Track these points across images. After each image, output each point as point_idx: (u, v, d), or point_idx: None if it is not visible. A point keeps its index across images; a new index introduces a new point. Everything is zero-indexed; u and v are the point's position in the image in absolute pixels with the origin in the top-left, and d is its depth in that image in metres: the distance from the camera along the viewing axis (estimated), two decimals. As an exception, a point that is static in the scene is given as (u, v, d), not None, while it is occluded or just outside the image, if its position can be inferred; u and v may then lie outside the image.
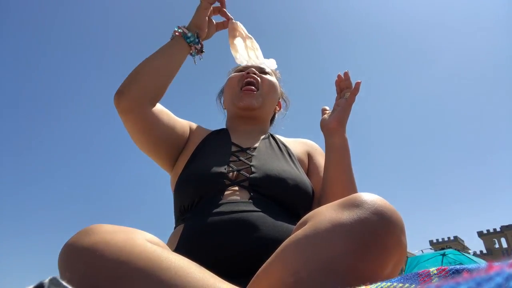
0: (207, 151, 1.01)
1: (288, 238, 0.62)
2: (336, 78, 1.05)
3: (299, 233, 0.60)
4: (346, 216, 0.56)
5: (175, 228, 0.91)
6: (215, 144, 1.05)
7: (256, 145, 1.06)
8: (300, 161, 1.09)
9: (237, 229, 0.78)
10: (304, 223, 0.63)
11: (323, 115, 1.08)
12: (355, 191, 0.94)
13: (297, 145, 1.16)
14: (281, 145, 1.10)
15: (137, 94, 0.95)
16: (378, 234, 0.53)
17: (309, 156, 1.14)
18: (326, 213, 0.60)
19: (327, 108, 1.11)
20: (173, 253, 0.59)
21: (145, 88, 0.96)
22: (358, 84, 1.01)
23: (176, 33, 1.06)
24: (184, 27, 1.06)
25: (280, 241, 0.64)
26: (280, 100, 1.32)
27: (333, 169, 0.97)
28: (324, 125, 1.03)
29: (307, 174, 1.08)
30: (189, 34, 1.04)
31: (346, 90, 1.04)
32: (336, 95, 1.06)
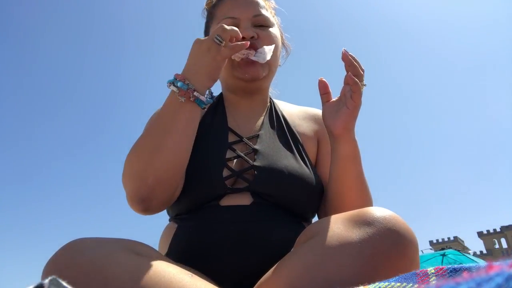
0: (201, 146, 0.85)
1: (292, 251, 0.60)
2: (341, 55, 0.82)
3: (305, 248, 0.58)
4: (356, 235, 0.55)
5: (168, 223, 0.89)
6: (210, 133, 0.90)
7: (258, 130, 0.93)
8: (308, 150, 0.94)
9: (240, 243, 0.73)
10: (309, 235, 0.62)
11: (325, 101, 0.86)
12: (368, 204, 0.83)
13: (304, 123, 1.02)
14: (286, 130, 0.95)
15: (167, 197, 0.78)
16: (390, 256, 0.52)
17: (319, 140, 1.00)
18: (335, 229, 0.58)
19: (327, 84, 0.87)
20: (161, 262, 0.57)
21: (174, 187, 0.78)
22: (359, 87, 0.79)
23: (188, 98, 0.75)
24: (194, 90, 0.75)
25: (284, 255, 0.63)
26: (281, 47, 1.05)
27: (341, 181, 0.83)
28: (328, 126, 0.84)
29: (316, 163, 0.97)
30: (205, 101, 0.77)
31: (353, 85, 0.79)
32: (346, 73, 0.81)
